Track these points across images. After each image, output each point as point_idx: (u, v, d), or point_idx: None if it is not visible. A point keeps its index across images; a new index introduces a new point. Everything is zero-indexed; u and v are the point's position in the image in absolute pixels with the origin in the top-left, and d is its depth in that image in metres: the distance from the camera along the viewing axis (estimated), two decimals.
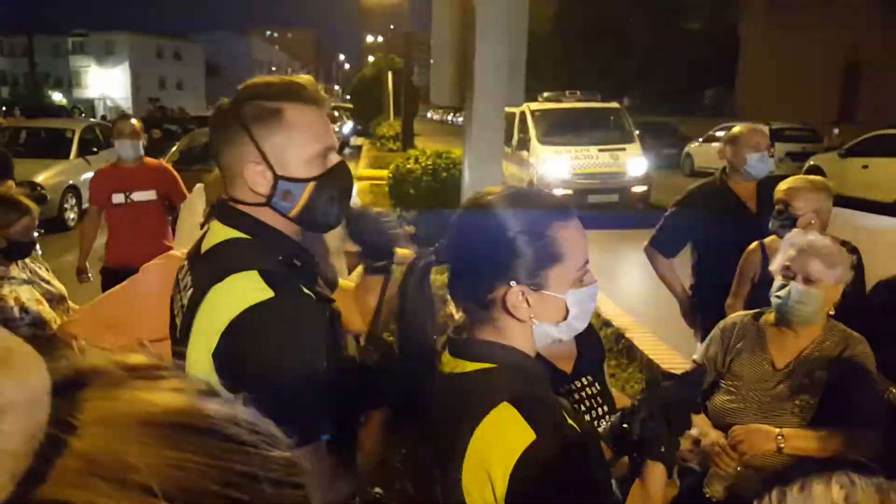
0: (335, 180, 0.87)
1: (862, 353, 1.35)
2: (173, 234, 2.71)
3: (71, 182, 7.27)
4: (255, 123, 0.81)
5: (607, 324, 3.47)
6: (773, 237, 1.87)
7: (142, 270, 1.42)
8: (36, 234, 1.75)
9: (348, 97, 31.12)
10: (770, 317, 1.43)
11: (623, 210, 7.28)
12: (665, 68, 23.97)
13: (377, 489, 1.09)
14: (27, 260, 1.77)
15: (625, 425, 0.78)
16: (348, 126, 19.30)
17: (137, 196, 2.79)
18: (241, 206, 0.85)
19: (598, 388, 1.13)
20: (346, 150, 15.73)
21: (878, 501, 0.37)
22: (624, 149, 7.79)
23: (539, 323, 0.75)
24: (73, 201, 7.27)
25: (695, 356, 1.57)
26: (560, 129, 7.96)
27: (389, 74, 17.35)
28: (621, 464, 0.87)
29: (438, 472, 0.74)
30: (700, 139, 12.61)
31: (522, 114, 8.08)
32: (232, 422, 0.29)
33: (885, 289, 1.61)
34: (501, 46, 2.56)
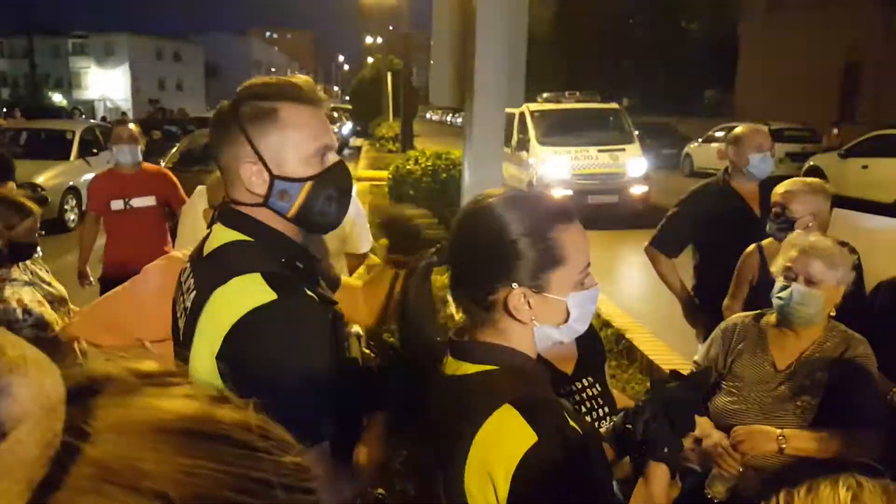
0: (333, 180, 0.86)
1: (863, 354, 1.35)
2: (173, 240, 2.69)
3: (71, 183, 7.28)
4: (251, 123, 0.81)
5: (607, 324, 3.48)
6: (770, 239, 1.87)
7: (143, 271, 1.42)
8: (36, 235, 1.75)
9: (347, 98, 31.14)
10: (771, 318, 1.43)
11: (622, 211, 7.29)
12: (664, 68, 24.00)
13: (379, 490, 1.09)
14: (27, 262, 1.77)
15: (628, 426, 0.78)
16: (347, 127, 19.31)
17: (137, 202, 2.76)
18: (240, 208, 0.85)
19: (599, 388, 1.13)
20: (346, 151, 15.73)
21: (885, 503, 0.37)
22: (623, 149, 7.78)
23: (540, 325, 0.75)
24: (74, 202, 7.28)
25: (696, 357, 1.57)
26: (559, 129, 7.96)
27: (389, 75, 17.37)
28: (623, 464, 0.87)
29: (440, 473, 0.74)
30: (699, 139, 12.62)
31: (522, 114, 8.08)
32: (244, 428, 0.29)
33: (885, 289, 1.60)
34: (501, 47, 2.56)
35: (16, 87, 40.32)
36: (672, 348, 3.16)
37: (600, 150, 7.68)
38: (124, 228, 2.73)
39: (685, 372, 0.93)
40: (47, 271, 1.88)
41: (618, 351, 3.27)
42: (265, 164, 0.82)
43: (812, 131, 11.81)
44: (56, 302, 1.80)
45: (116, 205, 2.74)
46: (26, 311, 1.65)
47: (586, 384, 1.12)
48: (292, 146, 0.83)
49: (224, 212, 0.87)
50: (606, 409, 1.11)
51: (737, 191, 2.17)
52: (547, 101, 8.59)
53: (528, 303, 0.73)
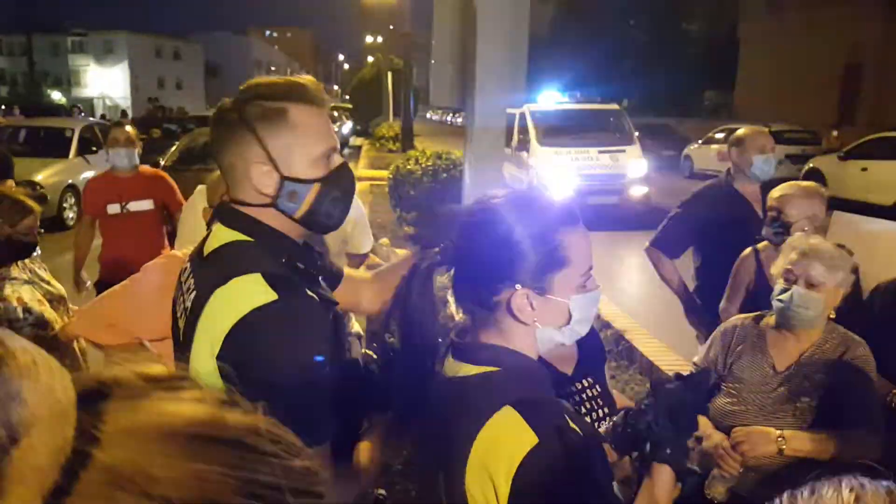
0: (339, 181, 0.87)
1: (862, 356, 1.36)
2: (171, 244, 2.64)
3: (70, 181, 7.27)
4: (261, 124, 0.81)
5: (607, 325, 3.48)
6: (765, 242, 1.88)
7: (142, 270, 1.42)
8: (37, 233, 1.75)
9: (347, 97, 31.12)
10: (770, 320, 1.43)
11: (622, 212, 7.29)
12: (664, 69, 24.01)
13: (380, 491, 1.09)
14: (26, 260, 1.76)
15: (629, 426, 0.78)
16: (347, 126, 19.31)
17: (134, 206, 2.69)
18: (243, 208, 0.85)
19: (599, 389, 1.14)
20: (346, 151, 15.72)
21: None
22: (624, 150, 7.79)
23: (542, 327, 0.75)
24: (73, 200, 7.27)
25: (695, 359, 1.57)
26: (560, 130, 7.97)
27: (389, 75, 17.35)
28: (623, 465, 0.87)
29: (442, 475, 0.74)
30: (699, 141, 12.63)
31: (522, 115, 8.08)
32: (253, 432, 0.29)
33: (883, 291, 1.61)
34: (502, 48, 2.56)
35: (14, 85, 40.23)
36: (672, 349, 3.17)
37: (601, 151, 7.68)
38: (121, 232, 2.67)
39: (685, 373, 0.93)
40: (45, 270, 1.87)
41: (617, 352, 3.27)
42: (275, 165, 0.82)
43: (812, 133, 11.82)
44: (55, 301, 1.79)
45: (113, 209, 2.68)
46: (26, 309, 1.65)
47: (586, 385, 1.12)
48: (302, 147, 0.83)
49: (224, 212, 0.87)
50: (606, 410, 1.11)
51: (739, 192, 2.18)
52: (548, 101, 8.60)
53: (531, 304, 0.73)
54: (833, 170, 8.88)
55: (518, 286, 0.73)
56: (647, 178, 7.74)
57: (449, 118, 35.51)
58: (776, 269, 1.39)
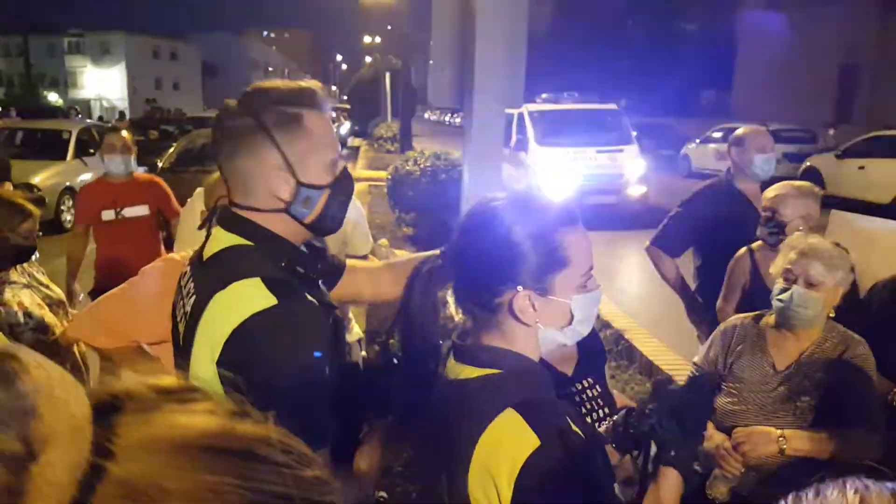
0: (345, 186, 0.88)
1: (862, 355, 1.36)
2: (167, 250, 2.60)
3: (68, 184, 7.25)
4: (279, 130, 0.81)
5: (607, 325, 3.48)
6: (759, 242, 1.88)
7: (140, 273, 1.41)
8: (36, 237, 1.74)
9: (345, 98, 31.10)
10: (770, 319, 1.43)
11: (621, 211, 7.30)
12: (662, 69, 24.03)
13: (381, 493, 1.09)
14: (24, 264, 1.76)
15: (630, 430, 0.78)
16: (345, 127, 19.29)
17: (129, 212, 2.65)
18: (247, 213, 0.85)
19: (599, 389, 1.14)
20: (344, 151, 15.72)
21: None
22: (622, 150, 7.80)
23: (544, 328, 0.75)
24: (70, 203, 7.24)
25: (695, 359, 1.57)
26: (558, 130, 7.97)
27: (387, 75, 17.35)
28: (624, 466, 0.87)
29: (444, 477, 0.74)
30: (697, 140, 12.65)
31: (521, 115, 8.09)
32: (265, 442, 0.29)
33: (881, 290, 1.61)
34: (501, 48, 2.56)
35: (11, 87, 40.11)
36: (671, 349, 3.17)
37: (599, 151, 7.69)
38: (116, 239, 2.62)
39: (685, 373, 0.93)
40: (43, 273, 1.87)
41: (617, 351, 3.27)
42: (292, 171, 0.82)
43: (809, 132, 11.85)
44: (54, 305, 1.79)
45: (107, 215, 2.63)
46: (27, 313, 1.64)
47: (586, 385, 1.13)
48: (316, 153, 0.84)
49: (223, 215, 0.87)
50: (607, 410, 1.12)
51: (741, 191, 2.18)
52: (546, 101, 8.61)
53: (533, 305, 0.73)
54: (830, 168, 8.90)
55: (519, 287, 0.73)
56: (645, 177, 7.75)
57: (446, 118, 35.52)
58: (775, 268, 1.40)
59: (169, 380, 0.32)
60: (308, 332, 0.78)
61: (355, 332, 1.98)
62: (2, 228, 1.59)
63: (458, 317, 0.82)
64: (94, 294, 2.55)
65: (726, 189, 2.22)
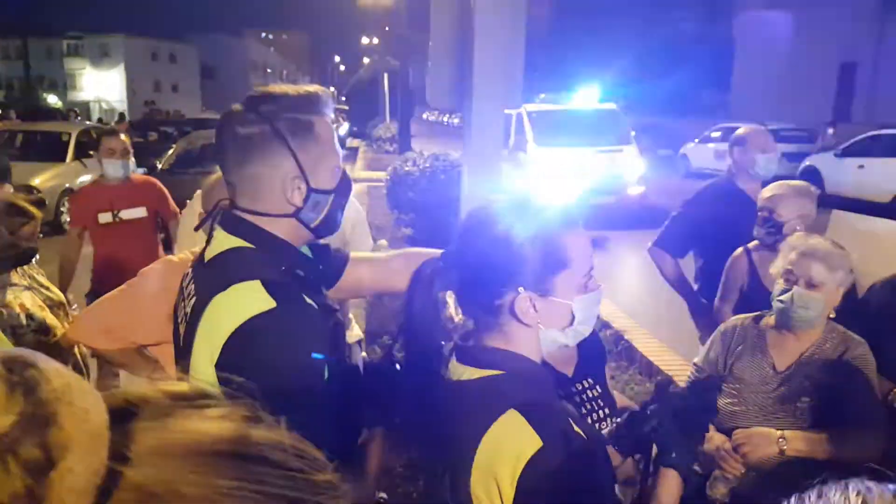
0: (346, 190, 0.89)
1: (861, 355, 1.36)
2: (166, 252, 2.58)
3: (67, 185, 7.26)
4: (293, 137, 0.82)
5: (607, 325, 3.48)
6: (756, 242, 1.88)
7: (139, 274, 1.41)
8: (37, 239, 1.74)
9: (344, 99, 31.12)
10: (770, 320, 1.43)
11: (620, 211, 7.31)
12: (660, 68, 24.06)
13: (381, 494, 1.09)
14: (24, 266, 1.76)
15: (633, 432, 0.78)
16: (344, 128, 19.30)
17: (126, 214, 2.61)
18: (250, 217, 0.85)
19: (600, 390, 1.14)
20: (343, 152, 15.65)
21: None
22: (621, 150, 7.80)
23: (546, 329, 0.75)
24: (70, 205, 7.23)
25: (696, 359, 1.57)
26: (557, 130, 7.97)
27: (385, 76, 17.35)
28: (625, 466, 0.87)
29: (447, 478, 0.74)
30: (696, 140, 12.66)
31: (519, 115, 8.09)
32: (279, 448, 0.30)
33: (879, 290, 1.62)
34: (500, 50, 2.57)
35: (10, 89, 40.11)
36: (671, 349, 3.17)
37: (598, 151, 7.69)
38: (114, 242, 2.58)
39: (685, 373, 0.93)
40: (43, 275, 1.87)
41: (617, 352, 3.27)
42: (305, 177, 0.84)
43: (808, 131, 11.87)
44: (55, 306, 1.79)
45: (104, 218, 2.59)
46: (29, 316, 1.64)
47: (587, 385, 1.13)
48: (325, 159, 0.85)
49: (225, 217, 0.87)
50: (607, 411, 1.12)
51: (743, 191, 2.18)
52: (544, 101, 8.61)
53: (534, 306, 0.74)
54: (829, 168, 8.91)
55: (521, 289, 0.73)
56: (644, 177, 7.76)
57: (445, 119, 35.55)
58: (776, 269, 1.40)
59: (183, 385, 0.32)
60: (306, 336, 0.78)
61: (355, 332, 1.98)
62: (4, 231, 1.59)
63: (458, 317, 0.82)
64: (92, 297, 2.51)
65: (728, 189, 2.23)
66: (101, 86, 44.17)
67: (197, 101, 47.40)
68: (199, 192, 1.93)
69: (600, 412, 1.11)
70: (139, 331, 1.37)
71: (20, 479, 0.24)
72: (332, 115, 0.88)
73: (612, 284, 4.75)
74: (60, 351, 1.61)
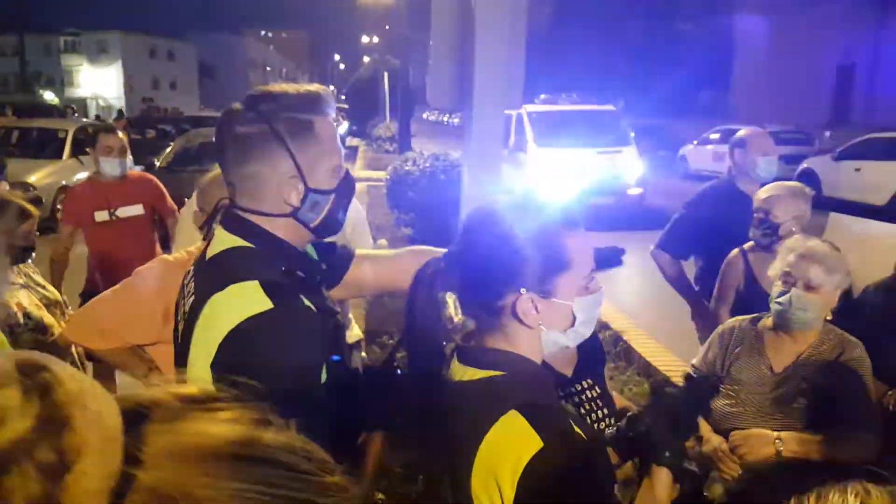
0: (348, 190, 0.89)
1: (858, 357, 1.37)
2: (163, 250, 2.54)
3: (64, 182, 7.23)
4: (292, 138, 0.82)
5: (605, 326, 3.49)
6: (751, 243, 1.89)
7: (134, 274, 1.41)
8: (34, 237, 1.74)
9: (343, 97, 31.07)
10: (768, 321, 1.44)
11: (619, 212, 7.32)
12: (659, 70, 24.09)
13: (380, 495, 1.09)
14: (20, 265, 1.75)
15: (630, 433, 0.78)
16: (344, 127, 19.27)
17: (123, 212, 2.55)
18: (252, 216, 0.84)
19: (599, 390, 1.14)
20: (343, 151, 15.63)
21: None
22: (620, 151, 7.82)
23: (547, 330, 0.76)
24: (63, 202, 7.20)
25: (693, 360, 1.58)
26: (557, 131, 7.98)
27: (385, 75, 17.33)
28: (624, 468, 0.88)
29: (448, 478, 0.75)
30: (695, 141, 12.69)
31: (519, 115, 8.10)
32: (289, 450, 0.30)
33: (874, 293, 1.62)
34: (501, 50, 2.57)
35: (6, 86, 39.92)
36: (669, 350, 3.18)
37: (597, 152, 7.71)
38: (110, 240, 2.52)
39: (684, 373, 0.94)
40: (38, 274, 1.86)
41: (615, 353, 3.28)
42: (303, 178, 0.83)
43: (805, 134, 11.91)
44: (51, 305, 1.78)
45: (101, 216, 2.52)
46: (26, 314, 1.64)
47: (586, 386, 1.13)
48: (325, 159, 0.84)
49: (226, 217, 0.87)
50: (606, 411, 1.12)
51: (745, 193, 2.19)
52: (544, 102, 8.62)
53: (536, 307, 0.74)
54: (827, 170, 8.93)
55: (522, 290, 0.73)
56: (643, 178, 7.77)
57: (445, 118, 35.54)
58: (774, 271, 1.40)
59: (194, 388, 0.32)
60: (303, 337, 0.78)
61: (355, 332, 1.98)
62: (1, 229, 1.58)
63: (457, 317, 0.82)
64: (87, 297, 2.48)
65: (729, 191, 2.23)
66: (99, 82, 43.99)
67: (195, 98, 47.25)
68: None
69: (599, 412, 1.12)
70: (134, 331, 1.37)
71: (37, 482, 0.24)
72: (332, 114, 0.87)
73: (610, 285, 4.73)
74: (58, 350, 1.61)
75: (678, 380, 1.98)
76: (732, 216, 2.12)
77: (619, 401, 1.22)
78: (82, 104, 38.89)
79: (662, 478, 0.77)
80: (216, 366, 0.75)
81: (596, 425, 1.07)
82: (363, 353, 2.07)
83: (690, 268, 2.35)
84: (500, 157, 2.97)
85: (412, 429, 0.88)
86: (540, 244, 0.73)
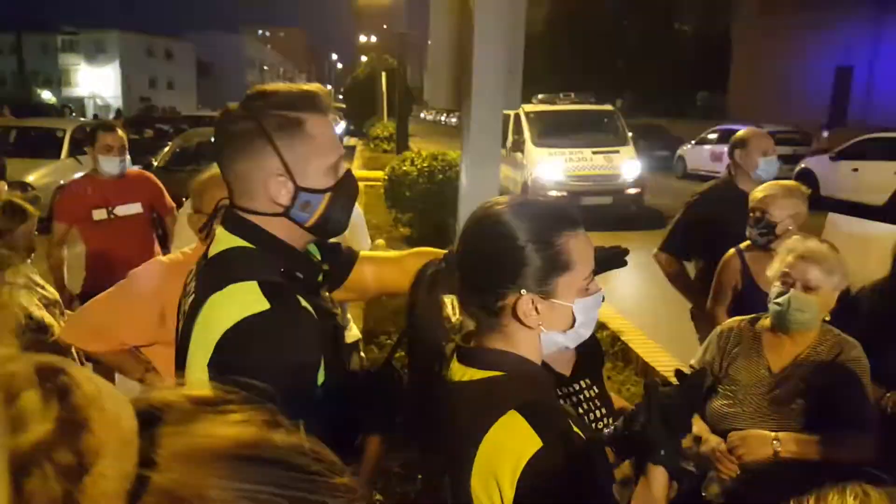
0: (347, 190, 0.88)
1: (856, 358, 1.37)
2: (163, 250, 2.51)
3: (62, 182, 7.20)
4: (279, 135, 0.81)
5: (603, 326, 3.49)
6: (747, 242, 1.89)
7: (129, 276, 1.40)
8: (33, 238, 1.73)
9: (341, 97, 31.05)
10: (766, 322, 1.44)
11: (616, 212, 7.33)
12: (657, 70, 24.14)
13: (377, 496, 1.09)
14: (19, 265, 1.75)
15: (626, 433, 0.79)
16: (341, 126, 19.26)
17: (121, 210, 2.49)
18: (249, 216, 0.84)
19: (597, 390, 1.15)
20: (342, 150, 15.60)
21: None
22: (618, 151, 7.83)
23: (547, 331, 0.76)
24: (58, 200, 7.17)
25: (692, 361, 1.58)
26: (554, 131, 8.00)
27: (383, 75, 17.31)
28: (621, 467, 0.88)
29: (448, 478, 0.75)
30: (692, 141, 12.71)
31: (517, 115, 8.11)
32: (299, 451, 0.30)
33: (870, 294, 1.63)
34: (500, 50, 2.57)
35: (3, 85, 39.76)
36: (667, 350, 3.19)
37: (595, 152, 7.72)
38: (109, 239, 2.46)
39: (675, 370, 0.94)
40: (36, 274, 1.85)
41: (613, 353, 3.29)
42: (291, 176, 0.82)
43: (803, 134, 11.93)
44: (51, 305, 1.78)
45: (98, 214, 2.46)
46: (27, 315, 1.63)
47: (584, 386, 1.13)
48: (316, 158, 0.83)
49: (228, 217, 0.87)
50: (604, 411, 1.12)
51: (746, 192, 2.20)
52: (542, 102, 8.63)
53: (536, 308, 0.74)
54: (824, 171, 8.96)
55: (523, 291, 0.74)
56: (640, 178, 7.79)
57: (442, 118, 35.54)
58: (772, 272, 1.41)
59: (205, 390, 0.33)
60: (299, 339, 0.78)
61: (353, 333, 1.98)
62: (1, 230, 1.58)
63: (455, 317, 0.82)
64: (84, 297, 2.37)
65: (730, 191, 2.24)
66: (96, 81, 43.87)
67: (192, 98, 47.16)
68: None
69: (597, 412, 1.12)
70: (129, 332, 1.37)
71: (57, 484, 0.24)
72: (329, 113, 0.85)
73: (608, 285, 4.75)
74: (58, 351, 1.60)
75: (675, 380, 1.99)
76: (733, 216, 2.12)
77: (618, 401, 1.22)
78: (80, 103, 38.78)
79: (658, 477, 0.77)
80: (213, 365, 0.75)
81: (594, 425, 1.07)
82: (361, 353, 2.06)
83: (690, 269, 2.35)
84: (499, 157, 2.97)
85: (411, 430, 0.88)
86: (540, 245, 0.73)
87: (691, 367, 1.56)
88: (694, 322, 2.33)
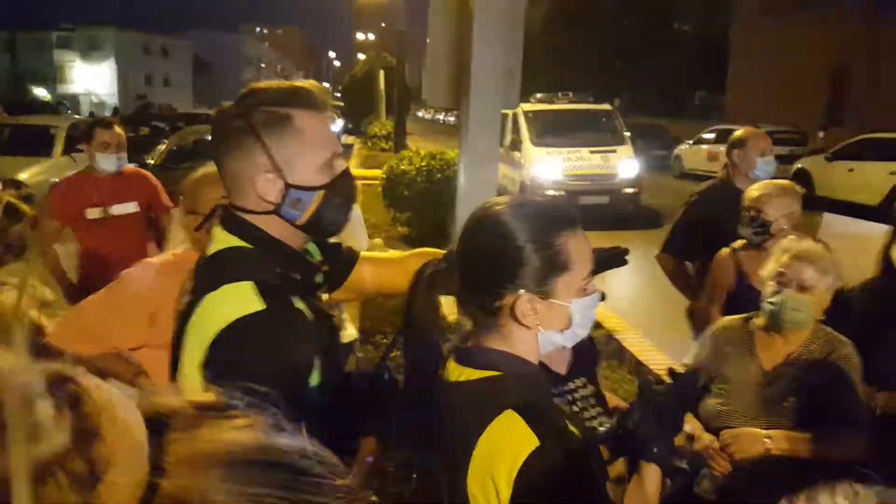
0: (342, 188, 0.86)
1: (847, 356, 1.38)
2: (160, 250, 2.46)
3: (56, 180, 7.15)
4: (266, 131, 0.80)
5: (598, 325, 3.50)
6: (742, 242, 1.90)
7: (118, 278, 1.39)
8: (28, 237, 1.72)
9: (338, 95, 30.97)
10: (759, 321, 1.45)
11: (613, 211, 7.34)
12: (655, 70, 24.18)
13: (373, 497, 1.09)
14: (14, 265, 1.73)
15: (620, 431, 0.79)
16: (339, 124, 19.21)
17: (117, 209, 2.41)
18: (245, 215, 0.84)
19: (592, 389, 1.15)
20: (339, 147, 15.56)
21: None
22: (615, 150, 7.85)
23: (545, 331, 0.76)
24: (50, 197, 7.11)
25: (685, 359, 1.59)
26: (552, 130, 8.00)
27: (381, 73, 17.28)
28: (615, 464, 0.88)
29: (444, 478, 0.75)
30: (690, 141, 12.74)
31: (515, 115, 8.11)
32: (302, 455, 0.31)
33: (860, 293, 1.64)
34: (498, 49, 2.57)
35: None
36: (661, 349, 3.20)
37: (592, 152, 7.73)
38: (103, 238, 2.38)
39: (668, 369, 0.95)
40: (31, 274, 1.84)
41: (608, 352, 3.30)
42: (280, 173, 0.81)
43: (800, 134, 11.97)
44: (45, 305, 1.77)
45: (93, 213, 2.38)
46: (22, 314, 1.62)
47: (579, 384, 1.14)
48: (307, 155, 0.81)
49: (224, 215, 0.87)
50: (599, 409, 1.13)
51: (742, 192, 2.21)
52: (540, 101, 8.64)
53: (534, 308, 0.74)
54: (820, 170, 9.00)
55: (521, 291, 0.74)
56: (637, 177, 7.80)
57: (440, 117, 35.53)
58: (767, 271, 1.41)
59: (210, 396, 0.33)
60: (293, 340, 0.78)
61: (350, 332, 1.97)
62: None
63: (452, 317, 0.82)
64: (77, 298, 2.32)
65: (728, 191, 2.24)
66: (92, 78, 43.62)
67: (189, 96, 46.96)
68: None
69: (592, 411, 1.12)
70: (119, 335, 1.36)
71: (72, 493, 0.24)
72: (324, 109, 0.83)
73: (603, 285, 4.76)
74: (53, 351, 1.59)
75: (669, 378, 1.99)
76: (731, 216, 2.13)
77: (612, 400, 1.22)
78: (75, 101, 38.57)
79: (651, 474, 0.77)
80: (206, 365, 0.75)
81: (589, 423, 1.08)
82: (358, 353, 2.06)
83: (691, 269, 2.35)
84: (497, 156, 2.97)
85: (407, 431, 0.88)
86: (539, 245, 0.74)
87: (685, 365, 1.57)
88: (691, 320, 2.34)
